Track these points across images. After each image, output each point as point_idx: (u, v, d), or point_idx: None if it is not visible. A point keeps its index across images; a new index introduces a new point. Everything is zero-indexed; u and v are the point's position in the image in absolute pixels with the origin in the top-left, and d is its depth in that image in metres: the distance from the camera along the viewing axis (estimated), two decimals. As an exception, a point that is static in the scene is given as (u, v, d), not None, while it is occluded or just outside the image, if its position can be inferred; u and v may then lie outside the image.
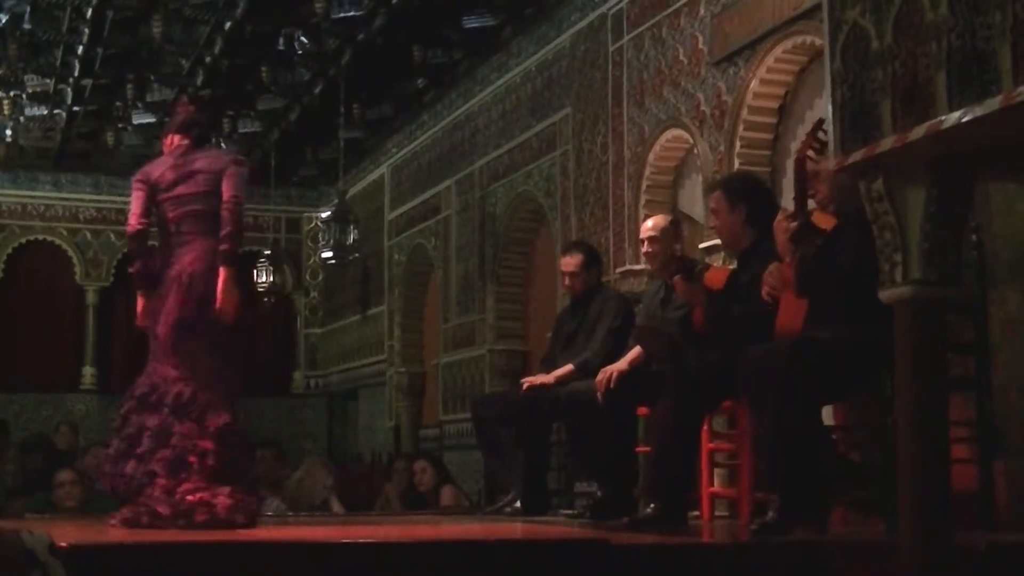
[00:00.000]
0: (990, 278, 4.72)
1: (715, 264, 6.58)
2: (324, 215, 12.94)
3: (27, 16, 9.82)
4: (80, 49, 10.42)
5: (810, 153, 4.58)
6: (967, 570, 3.50)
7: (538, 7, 9.80)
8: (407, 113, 12.56)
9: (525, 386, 6.39)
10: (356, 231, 12.22)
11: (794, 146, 7.17)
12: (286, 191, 15.23)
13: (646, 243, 6.07)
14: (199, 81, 11.12)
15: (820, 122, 4.44)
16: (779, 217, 4.81)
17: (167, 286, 5.14)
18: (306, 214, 15.62)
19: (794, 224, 4.59)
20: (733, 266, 5.66)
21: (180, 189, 5.21)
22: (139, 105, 12.07)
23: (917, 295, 3.36)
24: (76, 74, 11.03)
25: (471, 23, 10.10)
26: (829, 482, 4.58)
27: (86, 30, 10.02)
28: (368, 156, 13.91)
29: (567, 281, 6.61)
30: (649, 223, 6.19)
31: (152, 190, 5.25)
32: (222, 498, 4.86)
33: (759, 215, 5.19)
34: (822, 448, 4.55)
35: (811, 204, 4.77)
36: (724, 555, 4.15)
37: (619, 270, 8.41)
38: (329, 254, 12.20)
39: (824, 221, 4.64)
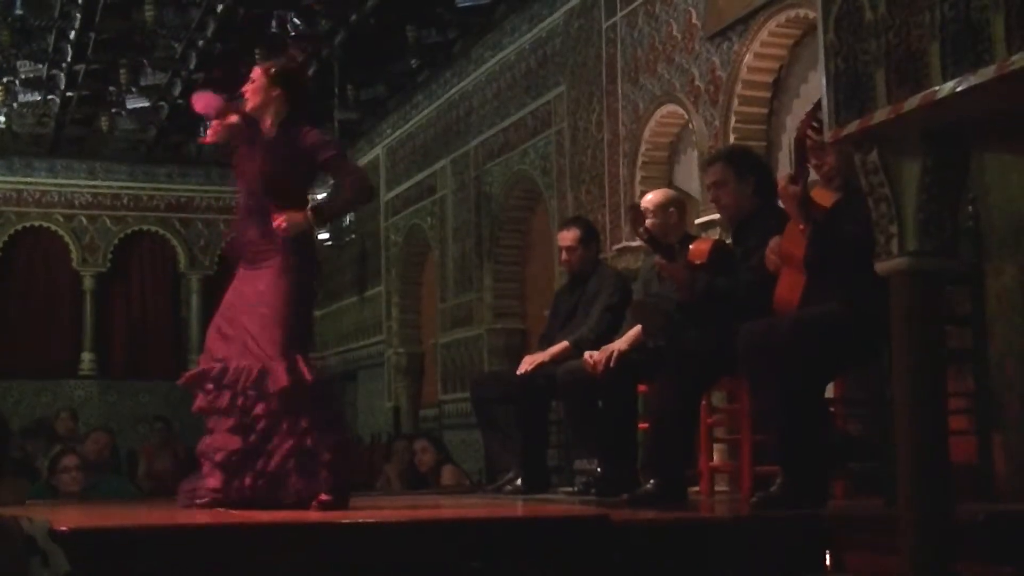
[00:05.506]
0: (986, 249, 4.71)
1: (702, 235, 6.57)
2: (320, 196, 12.93)
3: (19, 2, 9.81)
4: (72, 34, 10.40)
5: (810, 132, 4.56)
6: (966, 542, 3.50)
7: (531, -15, 9.78)
8: (401, 93, 12.53)
9: (520, 371, 6.39)
10: (352, 212, 12.22)
11: (790, 120, 7.17)
12: (282, 173, 15.16)
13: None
14: (192, 65, 11.10)
15: (820, 100, 4.42)
16: (782, 184, 4.79)
17: None
18: (302, 196, 15.56)
19: (799, 188, 4.56)
20: (716, 237, 5.64)
21: None
22: (133, 90, 12.05)
23: (913, 267, 3.35)
24: (69, 59, 11.01)
25: (464, 2, 10.07)
26: (828, 456, 4.59)
27: (78, 15, 9.99)
28: (363, 137, 13.89)
29: (564, 255, 6.60)
30: (649, 196, 6.18)
31: None
32: None
33: (764, 185, 5.21)
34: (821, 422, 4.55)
35: (813, 178, 4.75)
36: (724, 530, 4.16)
37: (616, 247, 8.40)
38: (326, 236, 12.20)
39: (824, 198, 4.63)
